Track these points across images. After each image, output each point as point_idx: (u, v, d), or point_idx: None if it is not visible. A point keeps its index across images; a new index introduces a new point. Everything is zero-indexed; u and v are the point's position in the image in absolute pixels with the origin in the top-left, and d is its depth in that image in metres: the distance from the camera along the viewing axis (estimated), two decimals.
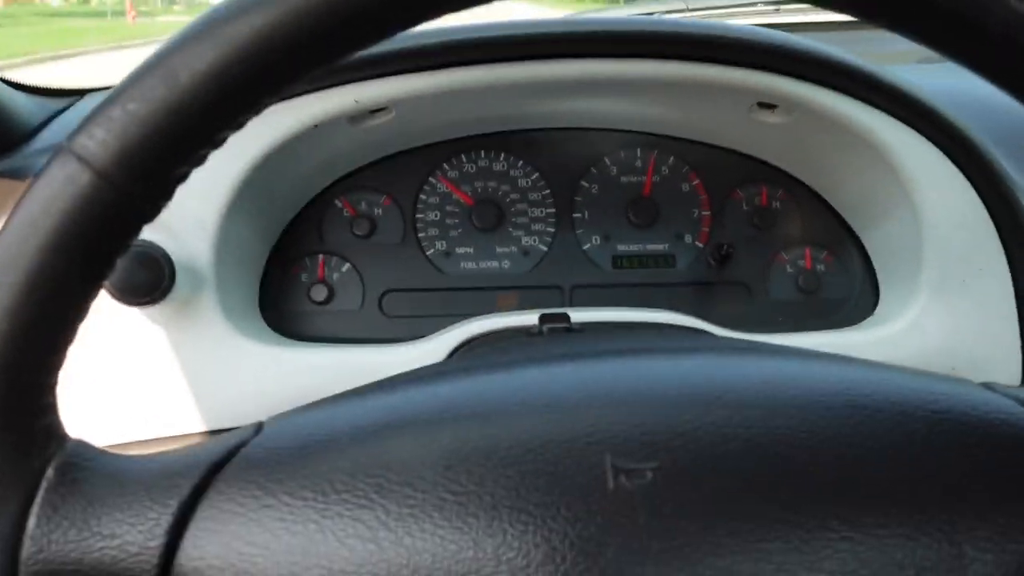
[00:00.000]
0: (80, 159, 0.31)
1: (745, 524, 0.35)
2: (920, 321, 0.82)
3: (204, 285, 0.78)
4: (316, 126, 0.79)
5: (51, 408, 0.35)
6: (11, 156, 0.93)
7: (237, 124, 0.34)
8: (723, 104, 0.86)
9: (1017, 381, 0.81)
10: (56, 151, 0.32)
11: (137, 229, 0.34)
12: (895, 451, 0.37)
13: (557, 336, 0.64)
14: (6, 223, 0.32)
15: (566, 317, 0.72)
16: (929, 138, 0.80)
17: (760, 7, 1.37)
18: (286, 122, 0.78)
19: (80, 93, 1.14)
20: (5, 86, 1.01)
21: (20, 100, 1.01)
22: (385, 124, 0.85)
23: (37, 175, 0.33)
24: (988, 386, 0.43)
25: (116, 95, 0.32)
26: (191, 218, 0.78)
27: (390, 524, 0.35)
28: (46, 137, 0.98)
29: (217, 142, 0.34)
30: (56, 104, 1.08)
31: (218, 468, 0.37)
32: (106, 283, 0.73)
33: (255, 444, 0.39)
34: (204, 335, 0.78)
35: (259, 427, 0.41)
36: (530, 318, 0.80)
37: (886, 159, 0.81)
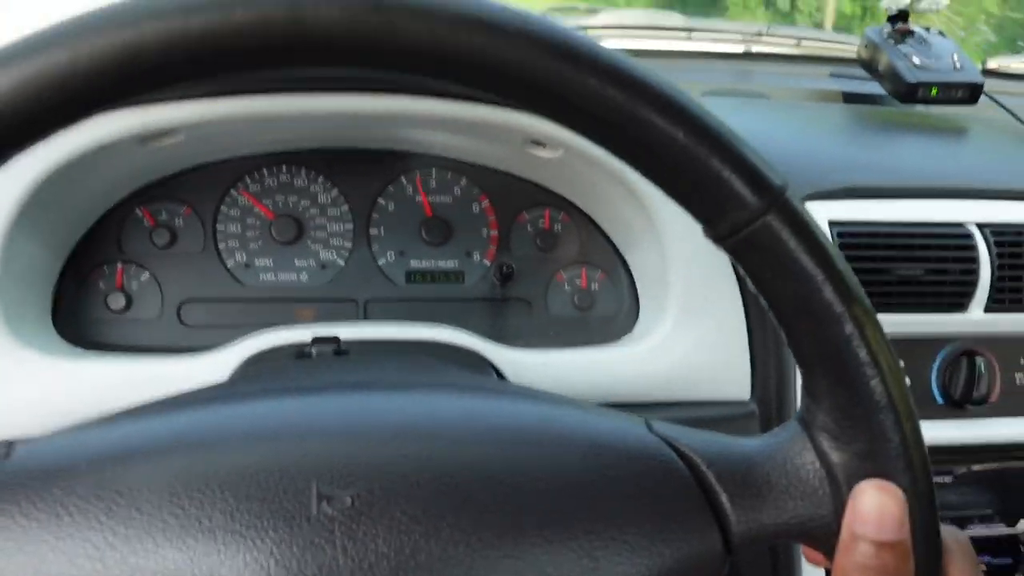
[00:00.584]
0: None
1: (427, 545, 0.42)
2: (666, 340, 0.92)
3: None
4: (102, 147, 0.81)
5: None
6: None
7: None
8: (500, 139, 0.94)
9: (747, 394, 0.94)
10: None
11: None
12: (553, 478, 0.45)
13: (320, 360, 0.71)
14: None
15: (336, 340, 0.78)
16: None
17: (672, 31, 1.46)
18: (72, 142, 0.80)
19: None
20: None
21: None
22: (176, 144, 0.88)
23: None
24: (648, 423, 0.52)
25: None
26: None
27: (116, 544, 0.40)
28: None
29: None
30: None
31: None
32: None
33: (1, 465, 0.43)
34: None
35: (8, 448, 0.45)
36: (318, 332, 0.86)
37: (637, 197, 0.91)
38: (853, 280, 0.43)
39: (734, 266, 0.92)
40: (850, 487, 0.44)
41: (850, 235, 0.94)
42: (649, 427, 0.51)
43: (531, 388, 0.59)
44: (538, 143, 0.93)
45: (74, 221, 0.93)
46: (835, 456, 0.45)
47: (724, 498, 0.46)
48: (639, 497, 0.46)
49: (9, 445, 0.45)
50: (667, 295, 0.93)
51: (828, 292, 0.42)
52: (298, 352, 0.78)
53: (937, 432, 0.98)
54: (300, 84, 0.85)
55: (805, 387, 0.46)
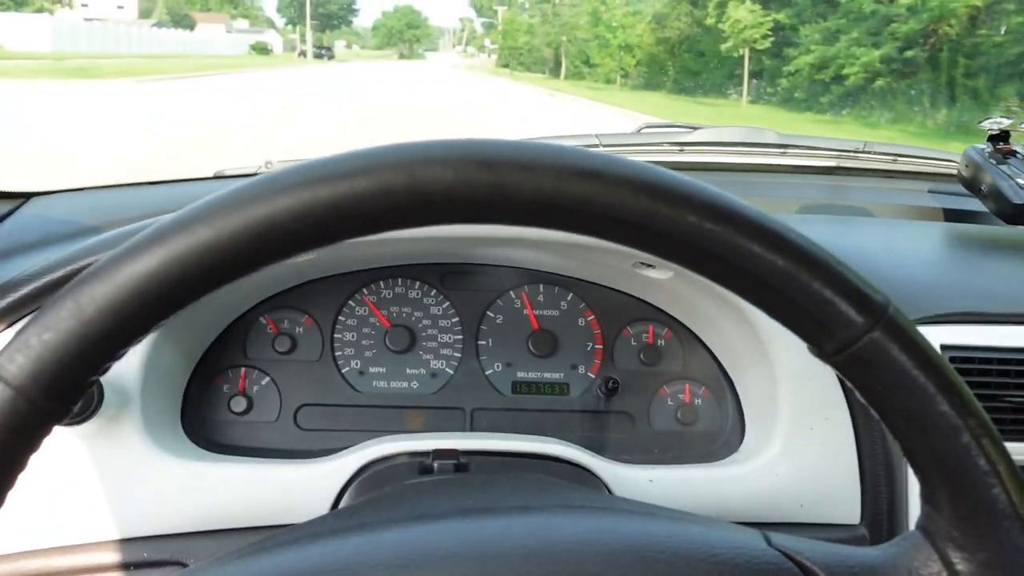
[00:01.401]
0: (2, 379, 0.39)
1: None
2: (775, 460, 0.92)
3: (129, 403, 0.85)
4: None
5: None
6: None
7: (134, 343, 0.41)
8: (610, 259, 0.97)
9: (857, 518, 0.92)
10: None
11: (49, 431, 0.41)
12: None
13: (437, 484, 0.73)
14: None
15: (456, 453, 0.80)
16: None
17: (665, 147, 1.50)
18: None
19: (25, 196, 1.21)
20: None
21: None
22: (307, 260, 0.94)
23: None
24: (766, 536, 0.52)
25: (33, 324, 0.40)
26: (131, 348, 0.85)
27: None
28: None
29: (118, 357, 0.41)
30: (1, 207, 1.15)
31: None
32: None
33: None
34: (127, 450, 0.84)
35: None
36: (429, 443, 0.89)
37: (747, 319, 0.92)
38: (966, 391, 0.43)
39: (842, 382, 0.92)
40: None
41: (963, 360, 0.93)
42: (768, 540, 0.51)
43: (645, 503, 0.60)
44: (647, 264, 0.96)
45: (206, 329, 0.99)
46: (962, 566, 0.45)
47: None
48: None
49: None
50: (775, 414, 0.93)
51: (942, 404, 0.43)
52: (421, 466, 0.81)
53: None
54: None
55: (924, 496, 0.47)
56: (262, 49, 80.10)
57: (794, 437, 0.92)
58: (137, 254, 0.39)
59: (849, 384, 0.46)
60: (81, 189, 1.29)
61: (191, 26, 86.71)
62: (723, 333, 1.01)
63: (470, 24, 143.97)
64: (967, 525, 0.44)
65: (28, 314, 0.85)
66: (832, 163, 1.58)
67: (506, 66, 65.56)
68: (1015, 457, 0.94)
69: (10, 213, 1.14)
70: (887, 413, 0.45)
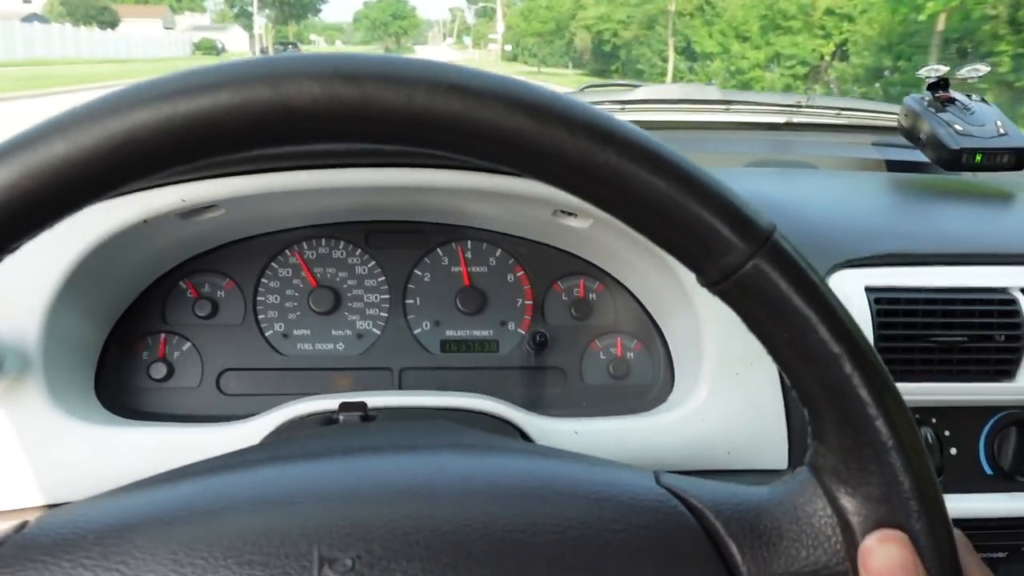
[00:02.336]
0: None
1: None
2: (701, 408, 0.91)
3: (31, 367, 0.82)
4: (145, 221, 0.85)
5: None
6: None
7: (9, 250, 0.38)
8: (530, 208, 0.95)
9: (785, 462, 0.91)
10: None
11: None
12: (556, 534, 0.45)
13: (340, 428, 0.71)
14: None
15: (364, 406, 0.78)
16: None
17: (607, 104, 1.48)
18: (114, 217, 0.84)
19: None
20: None
21: None
22: (217, 218, 0.92)
23: None
24: (657, 475, 0.51)
25: None
26: (21, 303, 0.82)
27: None
28: None
29: None
30: None
31: None
32: None
33: (11, 542, 0.44)
34: (29, 416, 0.82)
35: (22, 525, 0.46)
36: (354, 400, 0.87)
37: (664, 262, 0.90)
38: (848, 318, 0.42)
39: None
40: (863, 533, 0.42)
41: (888, 301, 0.92)
42: (657, 479, 0.50)
43: (542, 446, 0.58)
44: (568, 212, 0.94)
45: (119, 293, 0.96)
46: (846, 501, 0.44)
47: (733, 548, 0.45)
48: (645, 550, 0.45)
49: (24, 522, 0.46)
50: (700, 361, 0.92)
51: (823, 332, 0.41)
52: (326, 419, 0.79)
53: (987, 505, 0.94)
54: (335, 159, 0.88)
55: (812, 431, 0.45)
56: (209, 48, 69.26)
57: (720, 384, 0.91)
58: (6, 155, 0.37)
59: (736, 313, 0.44)
60: None
61: (112, 23, 70.98)
62: (648, 281, 1.00)
63: (461, 15, 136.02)
64: (851, 458, 0.43)
65: None
66: (776, 119, 1.57)
67: (514, 59, 59.81)
68: (941, 398, 0.94)
69: None
70: (772, 343, 0.43)
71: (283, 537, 0.43)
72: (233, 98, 0.36)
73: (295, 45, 69.66)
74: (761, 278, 0.41)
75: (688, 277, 0.89)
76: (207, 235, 0.98)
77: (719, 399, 0.91)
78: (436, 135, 0.39)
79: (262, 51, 65.82)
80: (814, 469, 0.46)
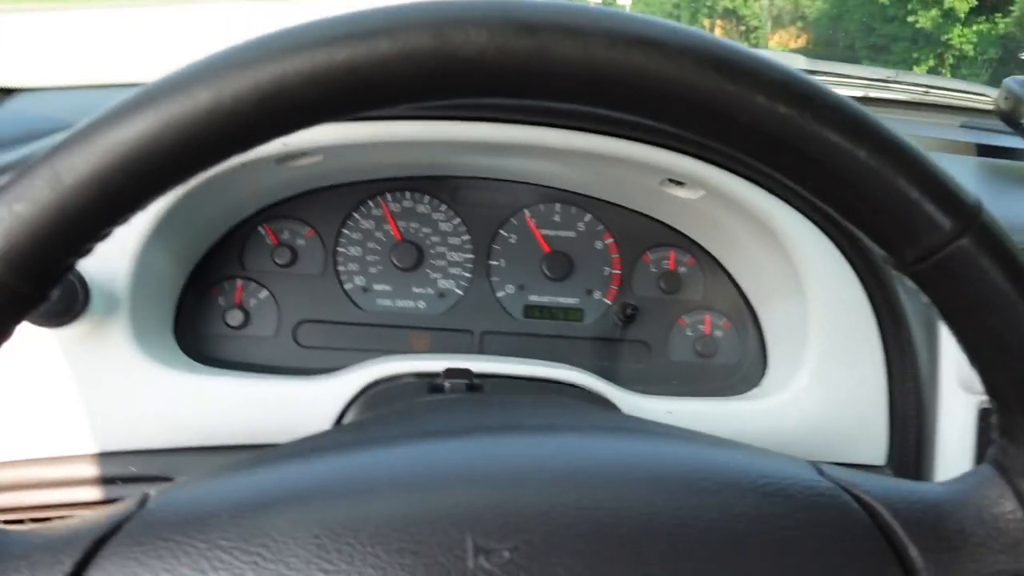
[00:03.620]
0: None
1: None
2: (800, 396, 0.87)
3: (118, 308, 0.79)
4: (243, 164, 0.81)
5: None
6: None
7: (121, 222, 0.35)
8: (635, 175, 0.90)
9: (883, 459, 0.88)
10: None
11: (23, 316, 0.35)
12: (723, 527, 0.41)
13: (451, 401, 0.68)
14: None
15: (469, 373, 0.75)
16: (821, 228, 0.86)
17: (871, 81, 1.42)
18: None
19: (8, 91, 1.14)
20: None
21: None
22: (312, 165, 0.87)
23: None
24: (817, 467, 0.47)
25: (2, 195, 0.34)
26: (113, 241, 0.78)
27: None
28: None
29: (102, 237, 0.35)
30: None
31: (101, 543, 0.38)
32: None
33: (138, 519, 0.40)
34: (114, 358, 0.79)
35: (143, 500, 0.42)
36: (437, 363, 0.83)
37: (781, 243, 0.86)
38: None
39: (881, 325, 0.87)
40: None
41: None
42: (819, 471, 0.47)
43: (685, 429, 0.55)
44: (676, 182, 0.90)
45: (201, 236, 0.93)
46: None
47: (914, 551, 0.41)
48: (819, 548, 0.42)
49: (144, 496, 0.43)
50: (804, 348, 0.88)
51: None
52: (431, 385, 0.75)
53: None
54: (438, 111, 0.83)
55: (1002, 427, 0.42)
56: None
57: (822, 371, 0.87)
58: (124, 117, 0.33)
59: (927, 298, 0.40)
60: (70, 88, 1.21)
61: None
62: (751, 259, 0.96)
63: None
64: None
65: None
66: (860, 93, 1.50)
67: None
68: None
69: None
70: (968, 332, 0.40)
71: (433, 523, 0.40)
72: (392, 47, 0.33)
73: None
74: (966, 260, 0.37)
75: (800, 257, 0.85)
76: (295, 181, 0.94)
77: (821, 387, 0.87)
78: (618, 93, 0.35)
79: None
80: (1001, 469, 0.42)
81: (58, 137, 0.34)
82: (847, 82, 1.50)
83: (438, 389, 0.74)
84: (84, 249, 0.35)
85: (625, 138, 0.84)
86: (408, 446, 0.49)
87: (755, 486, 0.44)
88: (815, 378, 0.87)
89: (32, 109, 1.08)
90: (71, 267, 0.36)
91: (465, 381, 0.74)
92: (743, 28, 31.22)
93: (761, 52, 0.37)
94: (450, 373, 0.75)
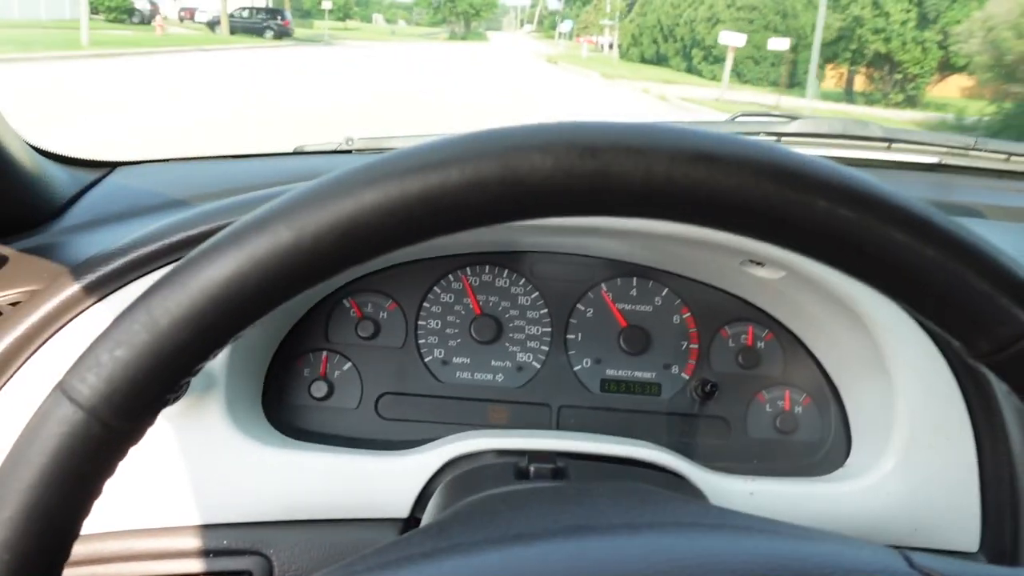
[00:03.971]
0: (72, 400, 0.35)
1: None
2: (887, 480, 0.86)
3: (214, 385, 0.82)
4: None
5: None
6: (43, 231, 0.97)
7: (211, 357, 0.37)
8: (715, 256, 0.91)
9: (975, 546, 0.85)
10: (51, 393, 0.36)
11: (124, 454, 0.37)
12: None
13: (532, 495, 0.68)
14: (5, 460, 0.36)
15: (553, 457, 0.76)
16: (907, 311, 0.85)
17: (762, 136, 1.42)
18: None
19: (111, 165, 1.20)
20: (38, 155, 1.05)
21: (52, 171, 1.06)
22: None
23: (34, 415, 0.36)
24: (908, 557, 0.47)
25: (104, 339, 0.36)
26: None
27: None
28: (77, 214, 1.02)
29: (195, 373, 0.37)
30: (87, 176, 1.13)
31: None
32: None
33: None
34: (209, 433, 0.82)
35: None
36: (517, 440, 0.84)
37: (866, 325, 0.86)
38: None
39: (971, 407, 0.85)
40: None
41: None
42: (909, 561, 0.45)
43: (764, 518, 0.54)
44: (756, 262, 0.90)
45: (290, 309, 0.96)
46: None
47: None
48: None
49: None
50: (890, 429, 0.87)
51: None
52: (516, 470, 0.76)
53: None
54: None
55: None
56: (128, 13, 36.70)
57: (910, 454, 0.86)
58: (212, 259, 0.35)
59: (1007, 385, 0.40)
60: (166, 160, 1.27)
61: None
62: (833, 338, 0.95)
63: (543, 1, 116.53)
64: None
65: (117, 289, 0.82)
66: (937, 159, 1.49)
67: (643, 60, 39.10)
68: None
69: (96, 182, 1.12)
70: None
71: None
72: (462, 176, 0.34)
73: (277, 15, 39.87)
74: None
75: (884, 339, 0.84)
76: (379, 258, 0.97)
77: (909, 470, 0.86)
78: (681, 207, 0.36)
79: (185, 17, 45.00)
80: None
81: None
82: (924, 149, 1.48)
83: (523, 474, 0.75)
84: (179, 386, 0.37)
85: None
86: (491, 553, 0.50)
87: None
88: (903, 461, 0.86)
89: (132, 183, 1.14)
90: (168, 403, 0.38)
91: (550, 466, 0.74)
92: (899, 76, 27.74)
93: (822, 159, 0.38)
94: (534, 457, 0.76)
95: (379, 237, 0.35)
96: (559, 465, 0.75)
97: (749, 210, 0.36)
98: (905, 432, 0.86)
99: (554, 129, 0.36)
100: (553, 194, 0.35)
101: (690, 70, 34.19)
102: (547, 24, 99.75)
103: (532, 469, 0.74)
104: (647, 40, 39.28)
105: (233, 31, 35.76)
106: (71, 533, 0.37)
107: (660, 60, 37.78)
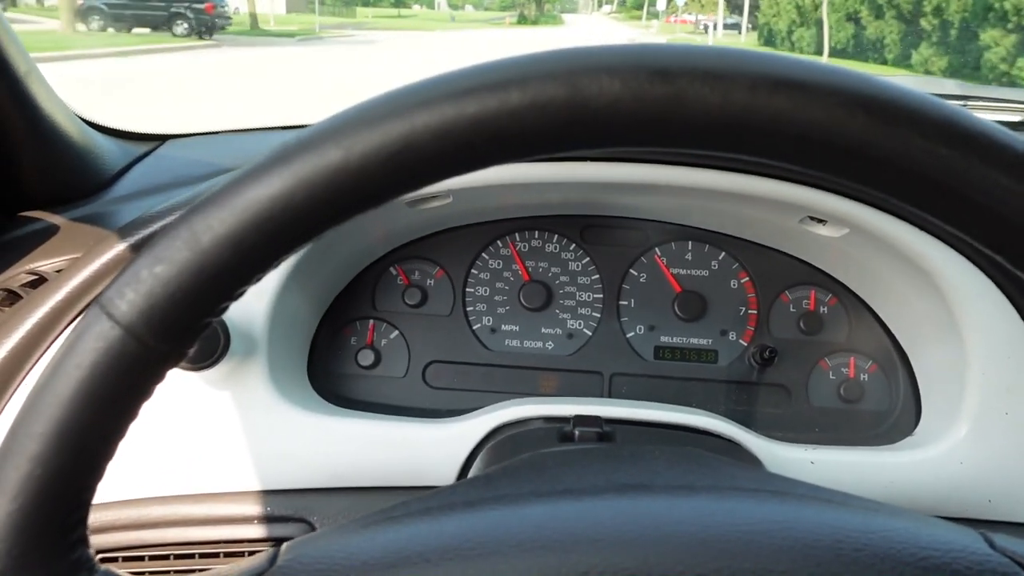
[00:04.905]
0: (110, 316, 0.34)
1: None
2: (959, 448, 0.81)
3: (256, 350, 0.81)
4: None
5: (82, 541, 0.37)
6: (93, 201, 0.98)
7: (254, 281, 0.36)
8: (773, 213, 0.86)
9: None
10: (89, 307, 0.35)
11: (161, 377, 0.36)
12: None
13: (581, 455, 0.66)
14: (40, 375, 0.35)
15: (599, 420, 0.73)
16: (980, 267, 0.80)
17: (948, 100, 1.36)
18: None
19: (161, 138, 1.20)
20: (89, 128, 1.06)
21: (102, 143, 1.06)
22: (442, 207, 0.88)
23: (72, 331, 0.35)
24: (988, 539, 0.43)
25: (144, 255, 0.34)
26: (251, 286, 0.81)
27: None
28: (126, 184, 1.03)
29: (236, 296, 0.36)
30: (137, 148, 1.14)
31: None
32: None
33: (271, 572, 0.40)
34: (251, 399, 0.81)
35: (274, 556, 0.42)
36: (566, 407, 0.82)
37: (936, 284, 0.80)
38: None
39: None
40: None
41: None
42: (991, 543, 0.42)
43: (831, 489, 0.51)
44: (817, 219, 0.85)
45: (335, 277, 0.95)
46: None
47: None
48: None
49: (275, 552, 0.43)
50: (962, 394, 0.81)
51: None
52: (560, 434, 0.74)
53: None
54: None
55: None
56: None
57: (984, 421, 0.80)
58: (257, 178, 0.33)
59: None
60: (216, 133, 1.27)
61: None
62: (901, 301, 0.90)
63: None
64: None
65: None
66: (1015, 117, 1.40)
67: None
68: None
69: (147, 154, 1.13)
70: None
71: None
72: (523, 99, 0.32)
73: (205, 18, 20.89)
74: None
75: (958, 300, 0.79)
76: (425, 223, 0.95)
77: (982, 438, 0.80)
78: (761, 140, 0.32)
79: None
80: None
81: (197, 197, 0.35)
82: (1007, 106, 1.40)
83: (568, 438, 0.73)
84: (220, 308, 0.36)
85: (762, 175, 0.81)
86: (538, 505, 0.47)
87: (915, 559, 0.40)
88: (975, 428, 0.81)
89: (181, 155, 1.14)
90: (208, 326, 0.36)
91: (596, 429, 0.72)
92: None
93: (918, 90, 0.33)
94: (580, 421, 0.73)
95: (432, 161, 0.33)
96: (605, 429, 0.72)
97: (839, 147, 0.32)
98: (978, 397, 0.80)
99: (625, 50, 0.33)
100: (621, 120, 0.32)
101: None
102: (630, 2, 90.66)
103: (577, 432, 0.71)
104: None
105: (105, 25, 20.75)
106: (105, 454, 0.36)
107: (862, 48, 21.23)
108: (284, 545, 0.43)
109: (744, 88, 0.31)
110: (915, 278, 0.83)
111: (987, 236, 0.34)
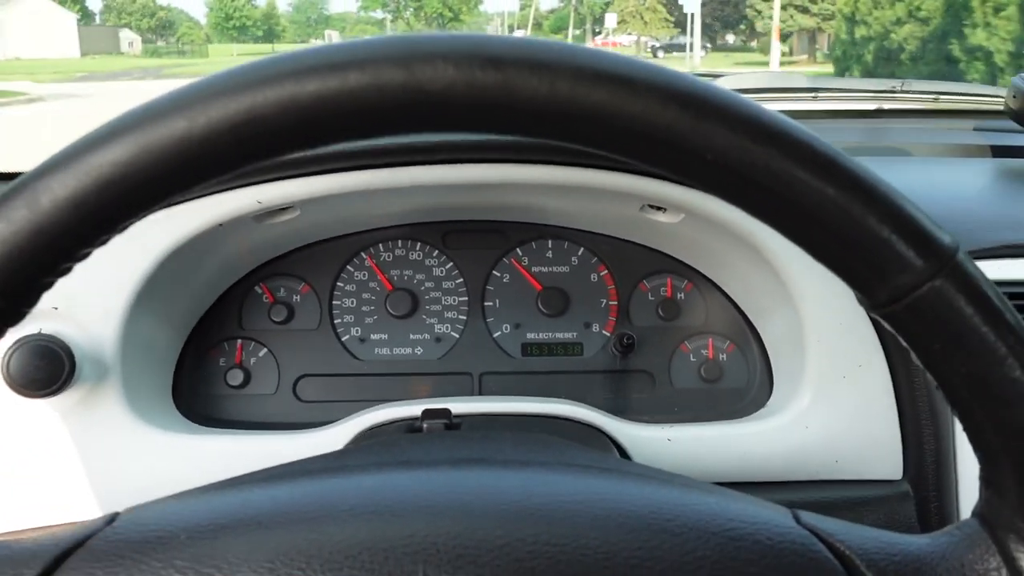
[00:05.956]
0: None
1: None
2: (804, 414, 0.85)
3: (108, 375, 0.80)
4: (220, 225, 0.82)
5: None
6: None
7: (99, 243, 0.36)
8: (614, 204, 0.90)
9: (899, 473, 0.84)
10: None
11: (2, 334, 0.36)
12: (681, 570, 0.40)
13: (432, 435, 0.67)
14: None
15: (448, 413, 0.74)
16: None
17: (797, 92, 1.43)
18: (189, 221, 0.82)
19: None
20: None
21: None
22: (292, 221, 0.89)
23: None
24: (796, 515, 0.45)
25: None
26: (97, 309, 0.81)
27: None
28: None
29: (79, 258, 0.36)
30: None
31: (63, 558, 0.39)
32: (5, 375, 0.75)
33: (102, 536, 0.41)
34: (108, 424, 0.80)
35: (113, 517, 0.43)
36: (430, 407, 0.83)
37: (767, 259, 0.84)
38: None
39: (881, 334, 0.84)
40: None
41: (1011, 296, 0.84)
42: (796, 518, 0.44)
43: (659, 469, 0.53)
44: (656, 207, 0.89)
45: (195, 298, 0.94)
46: None
47: None
48: None
49: (115, 514, 0.44)
50: (803, 365, 0.86)
51: (1013, 368, 0.35)
52: (409, 427, 0.75)
53: None
54: (411, 156, 0.84)
55: (985, 479, 0.39)
56: None
57: (825, 387, 0.84)
58: (102, 142, 0.34)
59: (902, 341, 0.38)
60: None
61: None
62: (743, 279, 0.94)
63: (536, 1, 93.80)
64: None
65: None
66: (868, 105, 1.48)
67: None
68: None
69: None
70: (946, 376, 0.38)
71: (387, 552, 0.39)
72: (361, 79, 0.33)
73: None
74: (939, 302, 0.36)
75: (787, 272, 0.83)
76: (282, 238, 0.96)
77: (825, 403, 0.84)
78: (583, 128, 0.35)
79: None
80: (986, 523, 0.40)
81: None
82: (855, 96, 1.48)
83: (416, 431, 0.74)
84: (59, 269, 0.36)
85: (598, 168, 0.84)
86: (375, 475, 0.49)
87: (721, 530, 0.42)
88: (817, 394, 0.85)
89: None
90: (48, 286, 0.37)
91: (443, 421, 0.73)
92: None
93: (729, 90, 0.36)
94: (428, 414, 0.75)
95: (274, 136, 0.34)
96: (453, 421, 0.73)
97: (652, 137, 0.35)
98: (816, 364, 0.85)
99: (463, 38, 0.34)
100: (455, 105, 0.34)
101: None
102: (548, 27, 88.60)
103: (425, 425, 0.73)
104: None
105: None
106: None
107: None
108: (124, 509, 0.44)
109: (568, 78, 0.33)
110: (750, 255, 0.87)
111: (788, 226, 0.37)
